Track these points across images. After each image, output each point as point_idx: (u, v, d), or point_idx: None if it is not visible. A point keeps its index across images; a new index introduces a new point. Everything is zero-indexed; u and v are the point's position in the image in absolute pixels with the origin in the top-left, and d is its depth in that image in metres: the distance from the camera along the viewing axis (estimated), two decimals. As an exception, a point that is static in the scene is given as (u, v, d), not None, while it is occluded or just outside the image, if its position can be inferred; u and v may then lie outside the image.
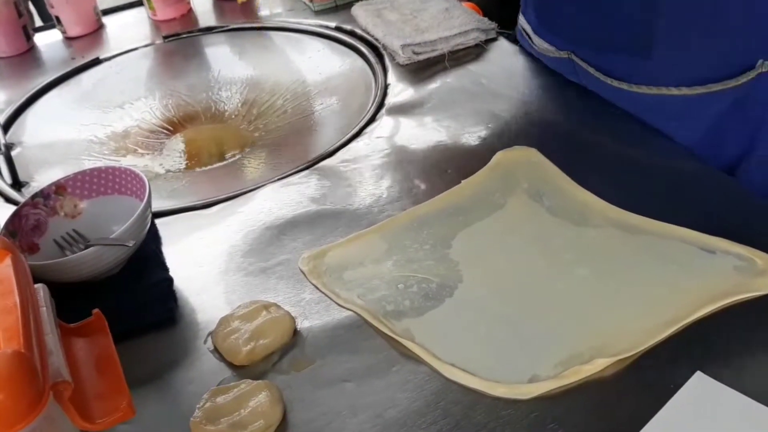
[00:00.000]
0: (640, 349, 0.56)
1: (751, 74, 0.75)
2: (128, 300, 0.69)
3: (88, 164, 0.96)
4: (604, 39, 0.85)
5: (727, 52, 0.76)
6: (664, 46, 0.79)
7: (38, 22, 1.99)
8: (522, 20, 1.01)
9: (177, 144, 1.02)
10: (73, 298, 0.63)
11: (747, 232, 0.64)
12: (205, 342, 0.64)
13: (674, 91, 0.80)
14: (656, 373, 0.55)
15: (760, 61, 0.74)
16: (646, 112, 0.83)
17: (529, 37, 0.98)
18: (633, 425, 0.51)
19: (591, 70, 0.88)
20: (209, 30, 1.26)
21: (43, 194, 0.75)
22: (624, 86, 0.84)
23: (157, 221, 0.79)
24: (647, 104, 0.83)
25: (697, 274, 0.62)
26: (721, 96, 0.78)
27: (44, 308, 0.52)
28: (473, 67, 0.99)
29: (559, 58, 0.93)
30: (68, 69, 1.17)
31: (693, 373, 0.54)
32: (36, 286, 0.53)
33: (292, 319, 0.63)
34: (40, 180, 0.92)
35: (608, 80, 0.86)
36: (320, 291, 0.67)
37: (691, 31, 0.77)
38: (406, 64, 1.02)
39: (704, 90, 0.78)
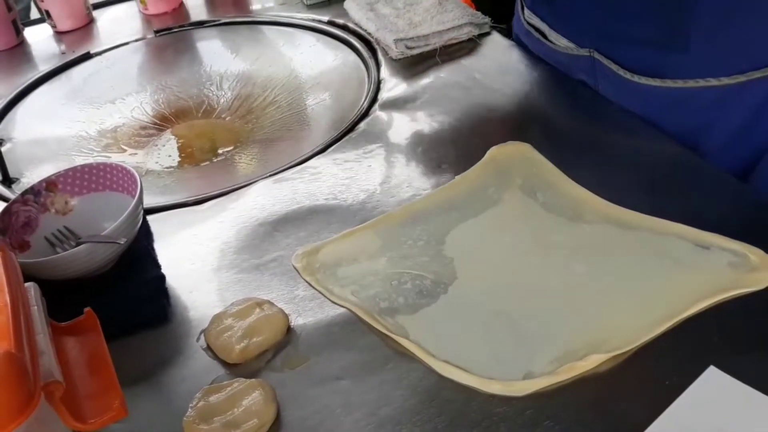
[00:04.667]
0: (634, 345, 0.56)
1: None
2: (120, 298, 0.68)
3: (79, 160, 0.95)
4: (632, 35, 0.83)
5: (750, 44, 0.75)
6: (702, 37, 0.77)
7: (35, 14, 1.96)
8: (529, 17, 0.99)
9: (169, 140, 1.01)
10: (64, 296, 0.62)
11: (741, 227, 0.64)
12: (198, 340, 0.63)
13: (713, 83, 0.78)
14: (651, 369, 0.55)
15: None
16: (675, 107, 0.81)
17: (543, 35, 0.96)
18: (629, 421, 0.51)
19: (615, 67, 0.86)
20: (201, 24, 1.25)
21: (33, 191, 0.75)
22: (655, 82, 0.82)
23: (149, 218, 0.78)
24: (678, 99, 0.81)
25: (691, 269, 0.62)
26: (760, 83, 0.76)
27: (35, 307, 0.51)
28: (466, 62, 0.99)
29: (577, 56, 0.91)
30: (58, 64, 1.16)
31: (688, 368, 0.54)
32: (27, 284, 0.53)
33: (286, 317, 0.63)
34: (31, 176, 0.91)
35: (635, 78, 0.84)
36: (314, 288, 0.66)
37: (731, 18, 0.75)
38: (399, 59, 1.01)
39: (744, 78, 0.77)
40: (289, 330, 0.63)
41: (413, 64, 1.00)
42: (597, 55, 0.88)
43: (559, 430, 0.51)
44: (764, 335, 0.56)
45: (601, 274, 0.63)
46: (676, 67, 0.81)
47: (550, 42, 0.95)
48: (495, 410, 0.53)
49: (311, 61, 1.10)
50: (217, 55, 1.18)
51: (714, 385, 0.52)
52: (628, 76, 0.85)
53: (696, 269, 0.62)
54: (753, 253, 0.62)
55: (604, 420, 0.52)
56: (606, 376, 0.55)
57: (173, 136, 1.02)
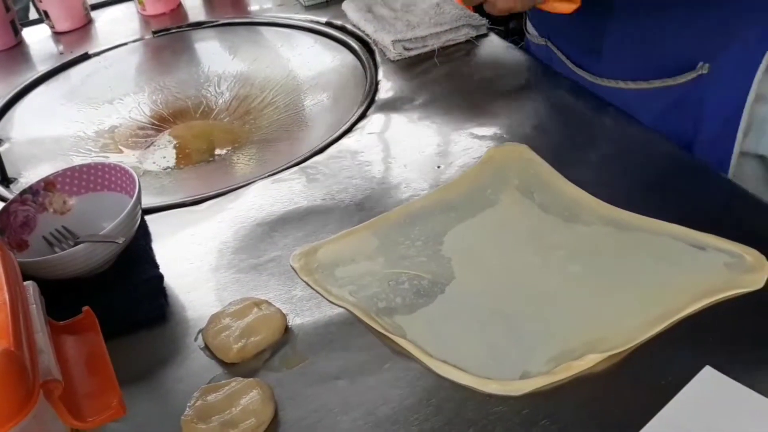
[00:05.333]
0: (631, 345, 0.56)
1: (691, 75, 0.81)
2: (118, 297, 0.69)
3: (77, 160, 0.95)
4: (570, 32, 0.94)
5: (670, 52, 0.82)
6: (612, 46, 0.87)
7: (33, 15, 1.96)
8: None
9: (166, 140, 1.02)
10: (62, 296, 0.62)
11: (736, 228, 0.65)
12: (196, 339, 0.63)
13: (622, 85, 0.88)
14: (647, 368, 0.55)
15: (701, 64, 0.80)
16: (608, 100, 0.88)
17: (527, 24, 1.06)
18: (625, 421, 0.51)
19: (563, 57, 0.95)
20: (199, 25, 1.25)
21: (31, 190, 0.75)
22: (586, 75, 0.92)
23: (147, 218, 0.78)
24: (607, 94, 0.88)
25: (687, 270, 0.62)
26: (664, 92, 0.84)
27: (34, 306, 0.51)
28: (464, 63, 0.99)
29: (538, 45, 1.00)
30: (57, 64, 1.17)
31: (684, 368, 0.54)
32: (25, 283, 0.53)
33: (284, 316, 0.63)
34: (29, 176, 0.91)
35: (575, 69, 0.94)
36: (311, 288, 0.66)
37: (637, 32, 0.84)
38: (397, 60, 1.02)
39: (647, 86, 0.86)
40: (287, 330, 0.63)
41: (411, 66, 1.00)
42: (550, 45, 0.99)
43: (555, 430, 0.52)
44: (760, 335, 0.56)
45: (597, 275, 0.64)
46: (596, 66, 0.91)
47: (528, 32, 1.04)
48: (492, 409, 0.54)
49: (309, 62, 1.10)
50: (216, 56, 1.18)
51: (710, 385, 0.52)
52: (571, 66, 0.95)
53: (692, 270, 0.62)
54: (748, 253, 0.62)
55: (600, 419, 0.52)
56: (602, 375, 0.55)
57: (171, 137, 1.02)
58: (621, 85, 0.88)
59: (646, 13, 0.83)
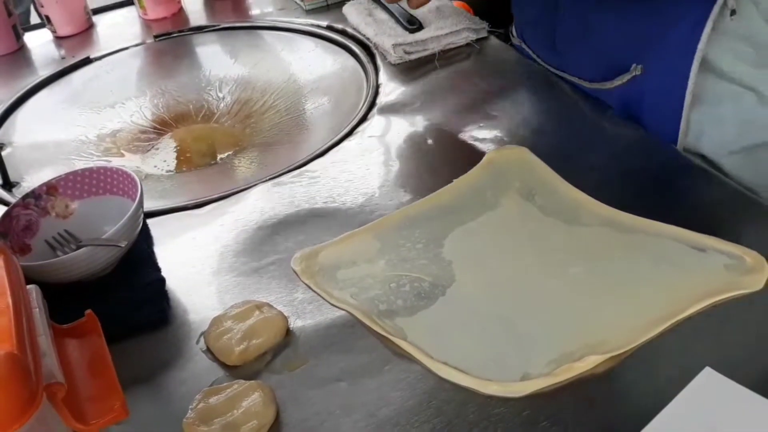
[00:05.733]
0: (631, 347, 0.56)
1: (625, 77, 0.82)
2: (120, 300, 0.69)
3: (79, 164, 0.95)
4: (532, 29, 1.00)
5: (606, 53, 0.85)
6: (563, 44, 0.91)
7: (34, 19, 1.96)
8: None
9: (168, 144, 1.02)
10: (64, 299, 0.63)
11: (736, 229, 0.65)
12: (198, 342, 0.63)
13: (577, 80, 0.91)
14: (647, 370, 0.55)
15: (634, 65, 0.81)
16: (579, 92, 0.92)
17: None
18: (625, 422, 0.52)
19: (531, 53, 1.00)
20: (200, 29, 1.25)
21: (34, 195, 0.75)
22: (552, 69, 0.96)
23: (149, 221, 0.79)
24: (574, 85, 0.92)
25: (687, 271, 0.62)
26: (608, 93, 0.86)
27: (37, 309, 0.51)
28: (464, 67, 1.00)
29: (519, 46, 1.06)
30: (58, 68, 1.17)
31: (684, 369, 0.54)
32: (28, 287, 0.53)
33: (285, 319, 0.63)
34: (31, 180, 0.91)
35: (540, 61, 0.98)
36: (313, 290, 0.67)
37: (580, 30, 0.86)
38: (398, 64, 1.02)
39: (590, 86, 0.89)
40: (289, 332, 0.63)
41: (411, 69, 1.01)
42: (524, 45, 1.02)
43: (556, 431, 0.52)
44: (759, 336, 0.57)
45: (598, 277, 0.64)
46: (556, 60, 0.95)
47: (512, 35, 1.08)
48: (493, 411, 0.54)
49: (310, 65, 1.10)
50: (217, 60, 1.18)
51: (710, 386, 0.53)
52: (536, 59, 0.98)
53: (692, 271, 0.62)
54: (748, 255, 0.62)
55: (600, 420, 0.53)
56: (603, 377, 0.55)
57: (173, 141, 1.02)
58: (576, 80, 0.91)
59: (585, 8, 0.85)
